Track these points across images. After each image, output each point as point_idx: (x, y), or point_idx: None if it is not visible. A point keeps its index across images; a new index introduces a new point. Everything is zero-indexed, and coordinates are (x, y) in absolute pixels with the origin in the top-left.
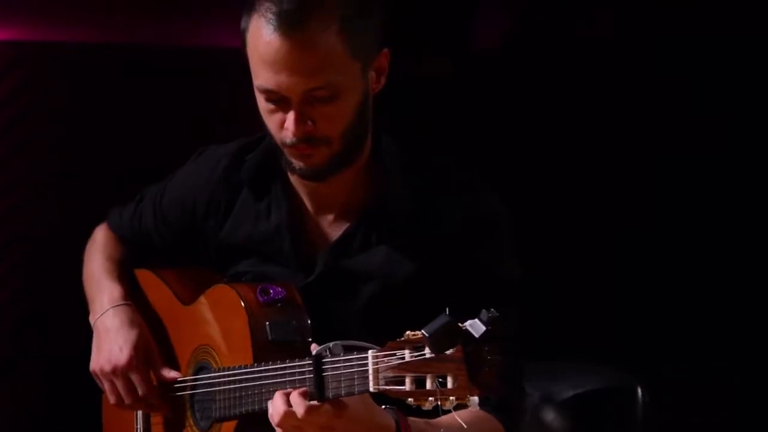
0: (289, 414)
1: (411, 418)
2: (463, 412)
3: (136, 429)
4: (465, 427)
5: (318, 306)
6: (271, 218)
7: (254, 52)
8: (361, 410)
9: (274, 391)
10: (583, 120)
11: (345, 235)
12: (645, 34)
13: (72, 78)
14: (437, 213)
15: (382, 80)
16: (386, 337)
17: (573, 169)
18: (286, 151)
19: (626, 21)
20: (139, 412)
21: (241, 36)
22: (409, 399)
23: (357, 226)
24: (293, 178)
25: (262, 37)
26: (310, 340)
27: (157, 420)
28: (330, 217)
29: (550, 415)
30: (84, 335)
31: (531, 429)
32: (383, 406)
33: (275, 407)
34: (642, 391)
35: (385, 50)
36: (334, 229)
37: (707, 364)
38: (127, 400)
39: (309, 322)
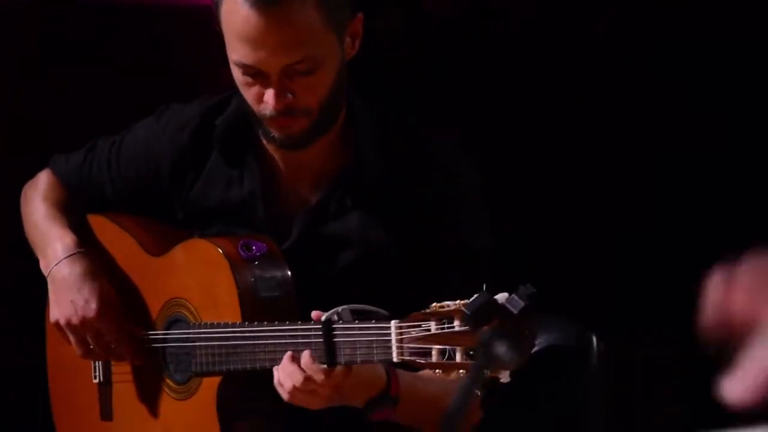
0: (308, 379)
1: (399, 371)
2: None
3: (95, 375)
4: (450, 381)
5: (294, 271)
6: (243, 184)
7: (230, 28)
8: (361, 366)
9: (274, 352)
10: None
11: (320, 201)
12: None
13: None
14: (409, 177)
15: (357, 45)
16: (363, 302)
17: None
18: (264, 122)
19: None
20: (99, 362)
21: (213, 9)
22: (437, 370)
23: (332, 191)
24: (268, 144)
25: (239, 12)
26: (293, 294)
27: (123, 369)
28: (305, 182)
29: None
30: None
31: None
32: None
33: (289, 373)
34: (597, 342)
35: (360, 14)
36: (309, 194)
37: (664, 323)
38: (98, 350)
39: (290, 275)
